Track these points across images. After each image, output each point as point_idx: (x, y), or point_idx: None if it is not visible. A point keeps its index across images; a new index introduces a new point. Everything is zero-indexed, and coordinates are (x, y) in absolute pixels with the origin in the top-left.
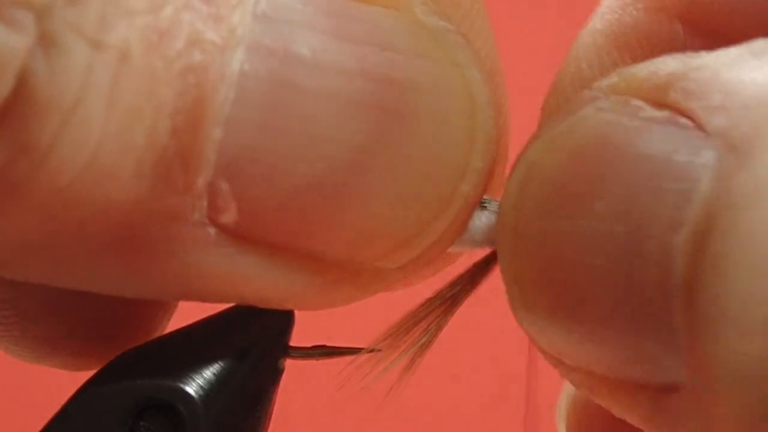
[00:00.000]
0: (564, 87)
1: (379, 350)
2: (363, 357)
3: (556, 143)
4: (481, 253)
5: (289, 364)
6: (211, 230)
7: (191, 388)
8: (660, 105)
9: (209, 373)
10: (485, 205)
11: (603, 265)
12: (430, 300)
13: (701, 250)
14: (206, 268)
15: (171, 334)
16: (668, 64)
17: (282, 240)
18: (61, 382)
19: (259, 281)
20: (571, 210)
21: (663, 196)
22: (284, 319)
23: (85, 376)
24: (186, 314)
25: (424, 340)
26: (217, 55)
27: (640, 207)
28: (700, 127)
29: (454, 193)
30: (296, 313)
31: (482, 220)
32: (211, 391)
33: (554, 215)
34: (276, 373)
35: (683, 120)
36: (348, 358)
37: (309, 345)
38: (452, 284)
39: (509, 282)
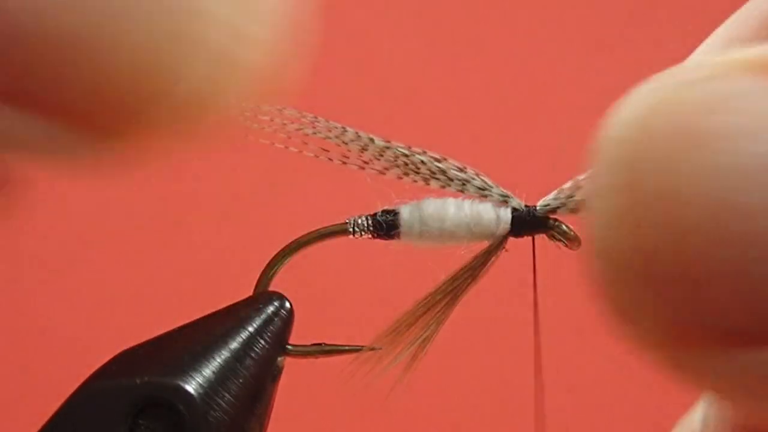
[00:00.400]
0: None
1: (380, 348)
2: (363, 355)
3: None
4: (479, 246)
5: (289, 363)
6: None
7: (191, 387)
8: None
9: (209, 371)
10: (506, 199)
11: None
12: (430, 295)
13: None
14: None
15: (170, 332)
16: None
17: (22, 88)
18: (61, 382)
19: (10, 127)
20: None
21: None
22: (284, 318)
23: (85, 374)
24: (186, 314)
25: (424, 336)
26: None
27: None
28: None
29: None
30: (296, 311)
31: (500, 214)
32: (211, 389)
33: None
34: (275, 372)
35: None
36: (348, 356)
37: (308, 343)
38: (452, 278)
39: (620, 252)
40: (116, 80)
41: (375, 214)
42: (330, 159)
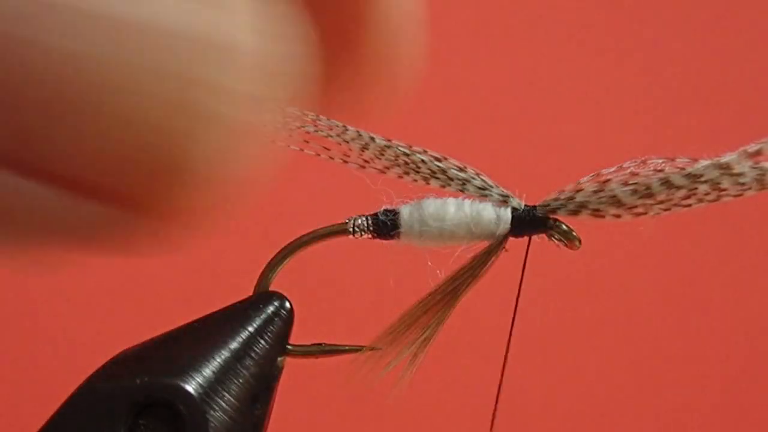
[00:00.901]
0: None
1: (380, 348)
2: (363, 355)
3: None
4: (480, 246)
5: (289, 363)
6: None
7: (191, 387)
8: None
9: (208, 371)
10: (506, 199)
11: None
12: (430, 295)
13: None
14: None
15: (170, 332)
16: None
17: (17, 156)
18: (61, 382)
19: (21, 209)
20: None
21: None
22: (284, 317)
23: (85, 374)
24: (186, 314)
25: (425, 336)
26: None
27: None
28: None
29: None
30: (296, 311)
31: (500, 214)
32: (211, 389)
33: None
34: (276, 371)
35: None
36: (348, 356)
37: (308, 343)
38: (452, 278)
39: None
40: (143, 154)
41: (375, 214)
42: (331, 158)
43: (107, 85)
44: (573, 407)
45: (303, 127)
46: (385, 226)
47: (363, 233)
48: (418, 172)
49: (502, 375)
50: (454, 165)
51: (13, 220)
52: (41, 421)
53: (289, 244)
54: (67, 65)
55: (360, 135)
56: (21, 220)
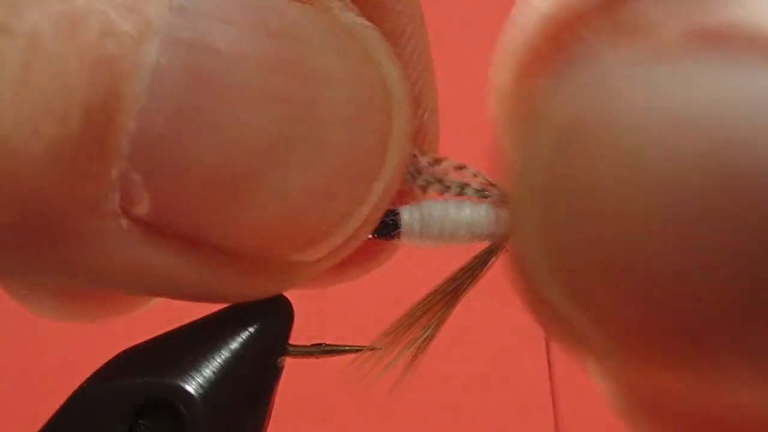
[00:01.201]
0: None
1: (380, 348)
2: (363, 355)
3: (590, 99)
4: (480, 246)
5: (289, 363)
6: (124, 221)
7: (191, 387)
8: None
9: (209, 371)
10: (506, 199)
11: (695, 202)
12: (430, 295)
13: None
14: (118, 259)
15: (170, 332)
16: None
17: (194, 232)
18: (61, 382)
19: (170, 273)
20: (637, 159)
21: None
22: (284, 317)
23: (85, 374)
24: (186, 314)
25: (425, 336)
26: (131, 47)
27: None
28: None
29: (368, 191)
30: (296, 310)
31: (501, 214)
32: (211, 389)
33: (613, 169)
34: (276, 372)
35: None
36: (348, 357)
37: (309, 343)
38: (452, 278)
39: (539, 256)
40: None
41: None
42: None
43: None
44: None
45: None
46: (386, 226)
47: None
48: (415, 179)
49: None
50: (453, 164)
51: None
52: (41, 422)
53: None
54: None
55: None
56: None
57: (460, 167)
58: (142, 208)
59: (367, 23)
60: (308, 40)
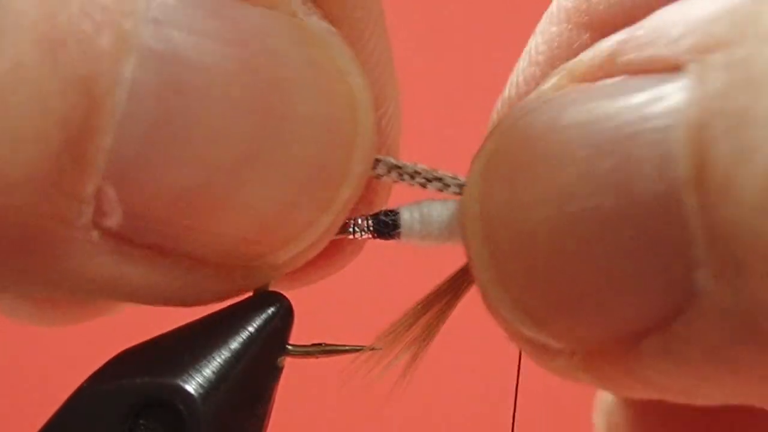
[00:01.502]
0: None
1: (380, 348)
2: (363, 355)
3: (514, 134)
4: None
5: (289, 362)
6: (96, 233)
7: (191, 387)
8: (610, 74)
9: (208, 371)
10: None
11: (595, 207)
12: (429, 296)
13: (702, 135)
14: (92, 269)
15: (170, 332)
16: (608, 41)
17: (164, 243)
18: (60, 382)
19: (142, 281)
20: (549, 168)
21: (645, 122)
22: (284, 317)
23: (85, 374)
24: (186, 314)
25: (424, 337)
26: (109, 64)
27: (622, 140)
28: (661, 67)
29: (332, 199)
30: (296, 311)
31: (441, 213)
32: (211, 389)
33: (530, 178)
34: (275, 371)
35: (638, 75)
36: (348, 357)
37: (308, 343)
38: (452, 279)
39: (482, 267)
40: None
41: (375, 215)
42: None
43: None
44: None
45: None
46: (386, 226)
47: (363, 233)
48: (413, 179)
49: (518, 376)
50: (449, 174)
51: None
52: (41, 422)
53: None
54: None
55: None
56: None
57: (455, 177)
58: (114, 221)
59: (332, 29)
60: (274, 49)
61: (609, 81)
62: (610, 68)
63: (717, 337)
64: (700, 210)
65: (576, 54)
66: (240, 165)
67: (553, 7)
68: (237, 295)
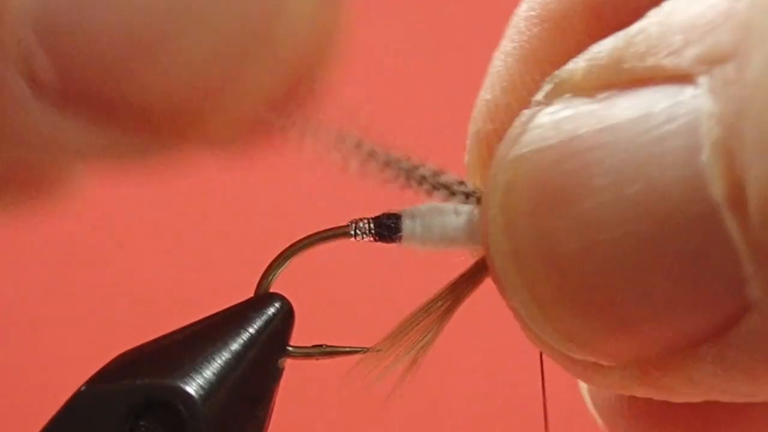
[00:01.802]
0: (488, 113)
1: (381, 350)
2: (364, 357)
3: (528, 165)
4: (480, 252)
5: (290, 364)
6: (27, 88)
7: (191, 388)
8: (612, 85)
9: (209, 372)
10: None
11: (628, 233)
12: (431, 300)
13: (732, 155)
14: (25, 127)
15: (170, 333)
16: (603, 47)
17: (101, 96)
18: (61, 382)
19: (82, 137)
20: (571, 199)
21: (663, 142)
22: (284, 319)
23: (85, 375)
24: (186, 315)
25: (425, 340)
26: None
27: (643, 163)
28: (666, 78)
29: (265, 50)
30: (297, 313)
31: (460, 220)
32: (211, 390)
33: (554, 211)
34: (276, 373)
35: (641, 86)
36: (349, 358)
37: (309, 345)
38: (454, 283)
39: (520, 300)
40: (183, 80)
41: (377, 218)
42: (329, 166)
43: None
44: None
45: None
46: (388, 229)
47: (365, 236)
48: (420, 186)
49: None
50: (455, 180)
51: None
52: (41, 423)
53: (290, 246)
54: None
55: (359, 148)
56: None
57: (461, 182)
58: (44, 73)
59: None
60: None
61: (611, 93)
62: (610, 77)
63: None
64: (742, 230)
65: (557, 54)
66: (173, 11)
67: (522, 5)
68: (179, 152)
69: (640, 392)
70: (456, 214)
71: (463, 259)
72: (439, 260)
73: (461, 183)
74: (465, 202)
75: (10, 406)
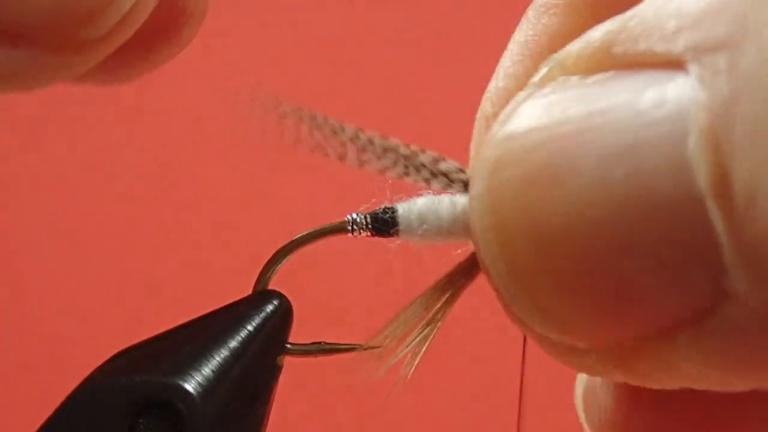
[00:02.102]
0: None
1: (379, 347)
2: (363, 353)
3: (516, 143)
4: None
5: (288, 361)
6: None
7: (190, 386)
8: (603, 67)
9: (208, 370)
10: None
11: (614, 213)
12: (428, 294)
13: (720, 144)
14: None
15: (169, 332)
16: (598, 30)
17: None
18: (60, 381)
19: None
20: (557, 177)
21: (651, 127)
22: (283, 316)
23: (85, 373)
24: (186, 313)
25: (423, 334)
26: None
27: (631, 146)
28: (657, 63)
29: None
30: (295, 310)
31: (457, 212)
32: (210, 388)
33: (540, 189)
34: (275, 370)
35: (632, 70)
36: (347, 355)
37: (308, 342)
38: (450, 277)
39: (499, 276)
40: None
41: (374, 212)
42: (326, 155)
43: None
44: None
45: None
46: (384, 223)
47: (362, 231)
48: (418, 174)
49: (522, 373)
50: (455, 167)
51: None
52: (41, 421)
53: (288, 243)
54: None
55: (358, 136)
56: None
57: (461, 170)
58: None
59: None
60: None
61: (602, 76)
62: (602, 60)
63: (748, 332)
64: (725, 218)
65: (562, 42)
66: None
67: None
68: (73, 74)
69: (616, 376)
70: (453, 205)
71: (461, 251)
72: (438, 254)
73: (460, 170)
74: (464, 191)
75: (10, 406)
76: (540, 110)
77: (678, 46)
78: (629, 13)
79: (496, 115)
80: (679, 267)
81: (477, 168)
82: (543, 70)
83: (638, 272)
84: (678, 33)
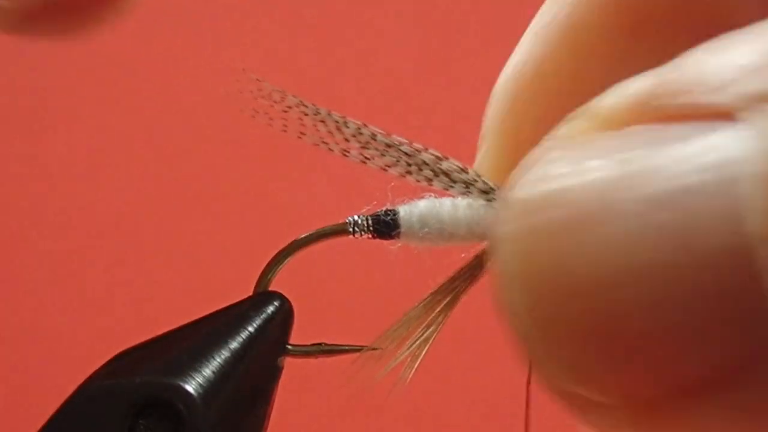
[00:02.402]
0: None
1: (380, 348)
2: (363, 355)
3: (550, 197)
4: (478, 246)
5: (289, 362)
6: None
7: (191, 387)
8: (639, 120)
9: (208, 371)
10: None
11: (649, 261)
12: (430, 296)
13: None
14: None
15: (170, 332)
16: (634, 83)
17: None
18: (61, 382)
19: None
20: (594, 222)
21: (698, 174)
22: (284, 317)
23: (85, 374)
24: (186, 314)
25: (425, 336)
26: None
27: (673, 194)
28: (699, 115)
29: None
30: (296, 311)
31: (481, 212)
32: (211, 389)
33: (572, 232)
34: (275, 371)
35: (671, 122)
36: (348, 356)
37: (308, 343)
38: (452, 280)
39: (520, 321)
40: None
41: (375, 214)
42: (330, 150)
43: None
44: None
45: (301, 118)
46: (386, 225)
47: (363, 233)
48: (420, 172)
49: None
50: (456, 167)
51: None
52: (41, 421)
53: (289, 244)
54: None
55: (361, 131)
56: None
57: (463, 170)
58: None
59: None
60: None
61: (640, 127)
62: (640, 113)
63: None
64: None
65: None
66: None
67: None
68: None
69: None
70: (454, 208)
71: (463, 254)
72: (439, 256)
73: (463, 170)
74: (465, 191)
75: (10, 406)
76: (575, 157)
77: (730, 96)
78: (666, 67)
79: (520, 112)
80: (719, 318)
81: (505, 209)
82: (572, 123)
83: (675, 322)
84: (730, 85)
